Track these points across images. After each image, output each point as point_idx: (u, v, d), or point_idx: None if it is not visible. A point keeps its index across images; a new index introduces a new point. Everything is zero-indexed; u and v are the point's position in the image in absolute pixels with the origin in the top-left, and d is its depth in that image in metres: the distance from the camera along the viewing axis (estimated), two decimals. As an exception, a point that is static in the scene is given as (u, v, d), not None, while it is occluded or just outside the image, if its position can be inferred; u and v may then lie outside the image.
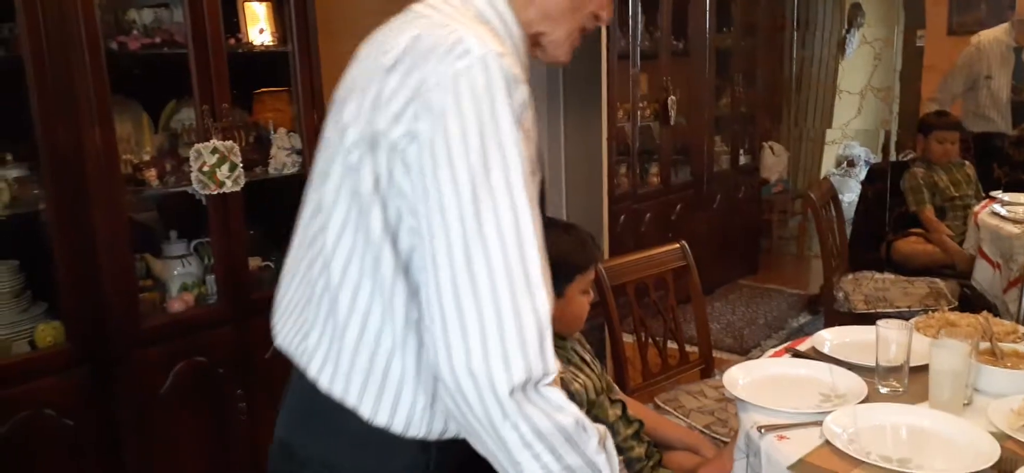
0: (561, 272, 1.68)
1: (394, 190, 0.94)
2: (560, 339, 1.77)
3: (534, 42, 1.08)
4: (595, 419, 1.73)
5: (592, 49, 4.04)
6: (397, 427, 1.00)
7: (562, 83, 4.16)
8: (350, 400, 0.99)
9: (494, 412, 0.89)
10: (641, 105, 4.49)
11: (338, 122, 1.00)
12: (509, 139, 0.89)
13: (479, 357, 0.88)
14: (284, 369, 1.07)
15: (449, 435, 1.02)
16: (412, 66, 0.92)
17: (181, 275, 2.38)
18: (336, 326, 0.99)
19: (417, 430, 1.00)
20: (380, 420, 0.99)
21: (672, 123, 4.57)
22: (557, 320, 1.68)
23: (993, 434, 1.33)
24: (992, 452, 1.26)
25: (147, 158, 2.32)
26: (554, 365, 0.93)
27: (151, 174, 2.28)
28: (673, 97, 4.54)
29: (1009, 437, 1.33)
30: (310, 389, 1.01)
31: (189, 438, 2.35)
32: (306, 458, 1.05)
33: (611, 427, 1.75)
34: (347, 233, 0.97)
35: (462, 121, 0.88)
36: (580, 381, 1.72)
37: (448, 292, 0.89)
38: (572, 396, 1.64)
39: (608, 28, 4.02)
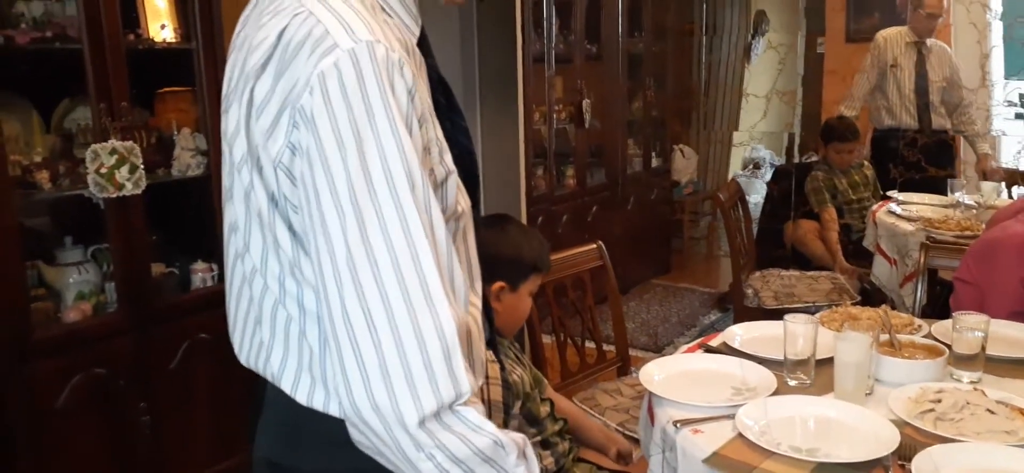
0: (519, 268, 1.74)
1: (291, 207, 0.88)
2: (498, 337, 1.77)
3: None
4: (529, 412, 1.76)
5: (508, 51, 4.04)
6: None
7: (478, 85, 4.15)
8: (333, 410, 0.93)
9: (406, 446, 0.84)
10: (556, 108, 4.52)
11: (225, 133, 0.95)
12: (388, 138, 0.81)
13: (383, 392, 0.82)
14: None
15: None
16: (280, 68, 0.85)
17: (77, 283, 2.25)
18: (292, 340, 0.94)
19: None
20: None
21: (587, 126, 4.62)
22: (504, 316, 1.71)
23: (893, 422, 1.39)
24: (892, 439, 1.32)
25: (38, 159, 2.19)
26: (467, 383, 0.85)
27: (43, 176, 2.15)
28: (587, 100, 4.60)
29: (908, 424, 1.39)
30: (289, 404, 0.95)
31: (89, 454, 2.22)
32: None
33: (541, 422, 1.77)
34: (269, 253, 0.93)
35: (334, 124, 0.81)
36: (517, 373, 1.73)
37: (339, 320, 0.83)
38: (510, 386, 1.65)
39: (523, 31, 4.04)
